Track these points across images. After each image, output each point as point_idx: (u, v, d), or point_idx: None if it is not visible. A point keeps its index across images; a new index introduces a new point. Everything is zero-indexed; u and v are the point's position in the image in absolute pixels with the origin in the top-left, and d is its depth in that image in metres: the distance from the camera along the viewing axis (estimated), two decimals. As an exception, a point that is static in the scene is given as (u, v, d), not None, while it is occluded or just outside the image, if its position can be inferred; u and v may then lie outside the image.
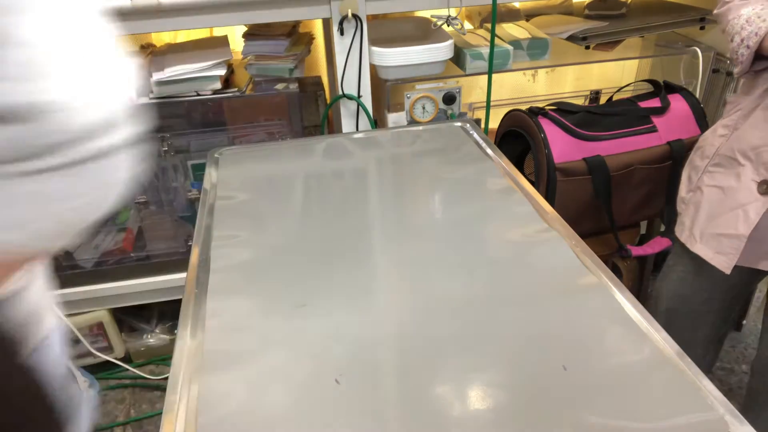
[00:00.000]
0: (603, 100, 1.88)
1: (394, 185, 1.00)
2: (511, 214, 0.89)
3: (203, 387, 0.61)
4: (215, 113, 1.60)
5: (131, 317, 1.78)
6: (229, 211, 0.94)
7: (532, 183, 1.04)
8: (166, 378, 1.55)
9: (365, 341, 0.66)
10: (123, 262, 1.67)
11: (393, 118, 1.52)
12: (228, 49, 1.53)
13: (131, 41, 1.74)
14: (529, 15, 1.82)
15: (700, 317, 1.19)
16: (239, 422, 0.57)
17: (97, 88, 0.40)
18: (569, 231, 0.84)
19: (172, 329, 1.79)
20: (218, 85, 1.45)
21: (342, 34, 1.40)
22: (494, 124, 1.62)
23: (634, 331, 0.65)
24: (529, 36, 1.57)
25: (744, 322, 1.81)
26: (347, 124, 1.54)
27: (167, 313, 1.82)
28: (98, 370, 1.74)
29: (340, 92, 1.47)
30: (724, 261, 1.02)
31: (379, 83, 1.52)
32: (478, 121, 1.67)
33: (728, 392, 1.59)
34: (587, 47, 1.61)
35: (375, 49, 1.42)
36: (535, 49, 1.56)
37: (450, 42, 1.44)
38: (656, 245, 1.51)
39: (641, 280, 1.69)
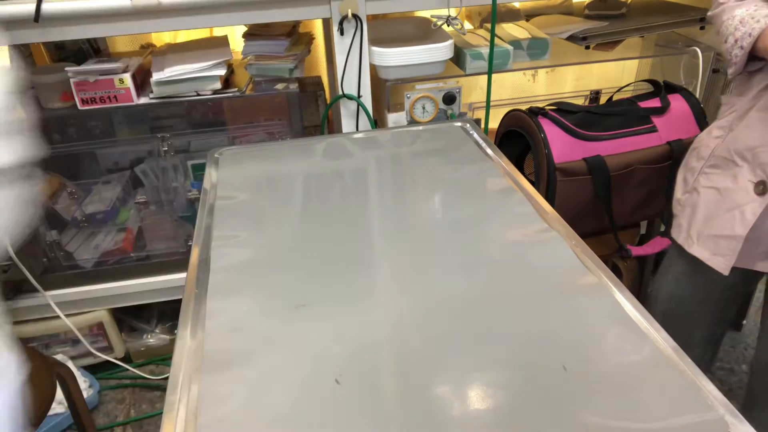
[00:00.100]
0: (603, 100, 1.88)
1: (394, 185, 1.00)
2: (511, 214, 0.89)
3: (203, 387, 0.61)
4: (215, 113, 1.60)
5: (131, 317, 1.78)
6: (229, 211, 0.94)
7: (532, 183, 1.04)
8: (166, 378, 1.55)
9: (365, 341, 0.66)
10: (123, 262, 1.67)
11: (393, 118, 1.52)
12: (228, 49, 1.53)
13: (131, 41, 1.74)
14: (529, 15, 1.82)
15: (697, 318, 1.19)
16: (239, 422, 0.57)
17: None
18: (569, 231, 0.84)
19: (172, 329, 1.79)
20: (218, 85, 1.45)
21: (342, 34, 1.40)
22: (494, 124, 1.62)
23: (634, 331, 0.65)
24: (529, 36, 1.57)
25: (744, 322, 1.81)
26: (347, 124, 1.54)
27: (167, 313, 1.82)
28: (98, 370, 1.74)
29: (340, 92, 1.48)
30: (721, 262, 1.02)
31: (379, 83, 1.52)
32: (478, 121, 1.67)
33: (728, 392, 1.59)
34: (587, 47, 1.61)
35: (375, 49, 1.42)
36: (535, 49, 1.56)
37: (450, 42, 1.44)
38: (656, 245, 1.51)
39: (641, 280, 1.69)
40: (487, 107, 1.54)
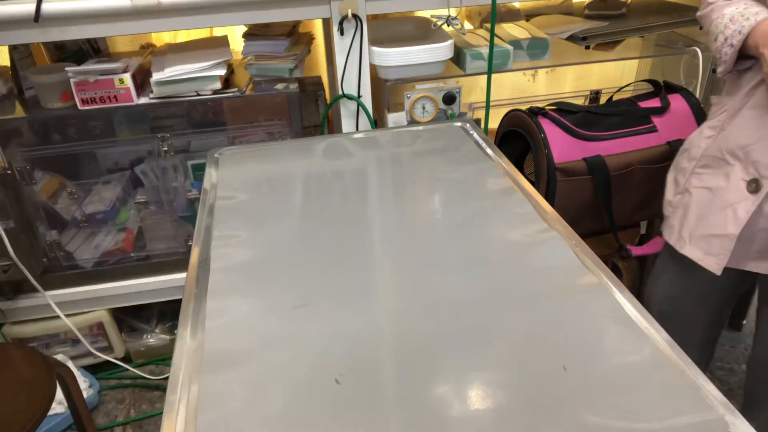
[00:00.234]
0: (603, 100, 1.89)
1: (394, 185, 1.00)
2: (511, 214, 0.89)
3: (203, 387, 0.61)
4: (215, 113, 1.60)
5: (131, 317, 1.78)
6: (229, 211, 0.94)
7: (532, 183, 1.04)
8: (166, 378, 1.55)
9: (365, 341, 0.66)
10: (123, 262, 1.67)
11: (393, 118, 1.52)
12: (228, 49, 1.53)
13: (131, 41, 1.74)
14: (529, 15, 1.82)
15: (692, 319, 1.18)
16: (239, 422, 0.57)
17: None
18: (569, 231, 0.84)
19: (172, 329, 1.79)
20: (218, 85, 1.45)
21: (342, 34, 1.40)
22: (494, 124, 1.62)
23: (634, 331, 0.65)
24: (529, 36, 1.57)
25: (744, 322, 1.81)
26: (347, 124, 1.54)
27: (167, 313, 1.82)
28: (98, 370, 1.74)
29: (340, 92, 1.48)
30: (714, 262, 1.01)
31: (379, 83, 1.52)
32: (478, 121, 1.67)
33: (728, 392, 1.59)
34: (587, 47, 1.61)
35: (375, 49, 1.42)
36: (535, 49, 1.56)
37: (450, 42, 1.44)
38: (656, 245, 1.51)
39: (641, 280, 1.69)
40: (487, 107, 1.54)
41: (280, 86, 1.50)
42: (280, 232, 0.88)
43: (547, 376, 0.60)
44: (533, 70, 1.94)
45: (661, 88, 1.54)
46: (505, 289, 0.73)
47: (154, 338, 1.77)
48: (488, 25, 1.56)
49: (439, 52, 1.43)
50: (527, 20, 1.78)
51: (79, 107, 1.41)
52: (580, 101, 1.92)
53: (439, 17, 1.45)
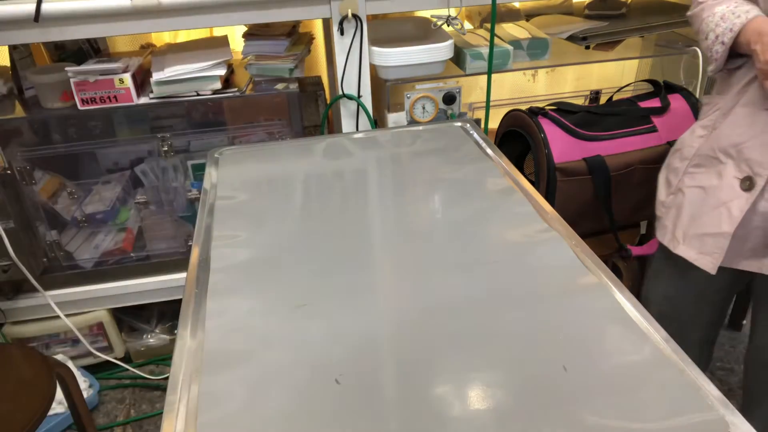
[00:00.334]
0: (603, 100, 1.88)
1: (394, 185, 1.00)
2: (511, 214, 0.89)
3: (203, 387, 0.61)
4: (215, 113, 1.60)
5: (131, 317, 1.78)
6: (229, 211, 0.94)
7: (532, 183, 1.04)
8: (166, 378, 1.55)
9: (365, 341, 0.66)
10: (123, 262, 1.67)
11: (393, 118, 1.52)
12: (228, 49, 1.53)
13: (131, 41, 1.74)
14: (529, 15, 1.82)
15: (690, 319, 1.18)
16: (239, 422, 0.57)
17: None
18: (569, 231, 0.84)
19: (172, 329, 1.79)
20: (218, 85, 1.45)
21: (342, 34, 1.40)
22: (494, 124, 1.62)
23: (634, 331, 0.65)
24: (529, 36, 1.57)
25: (744, 322, 1.81)
26: (347, 124, 1.54)
27: (167, 313, 1.82)
28: (98, 370, 1.74)
29: (340, 92, 1.48)
30: (708, 261, 1.00)
31: (379, 83, 1.52)
32: (478, 121, 1.67)
33: (728, 392, 1.59)
34: (587, 47, 1.61)
35: (375, 49, 1.42)
36: (535, 49, 1.56)
37: (450, 42, 1.44)
38: (656, 245, 1.51)
39: (641, 280, 1.68)
40: (487, 107, 1.54)
41: (280, 86, 1.50)
42: (280, 232, 0.88)
43: (547, 376, 0.60)
44: (533, 70, 1.94)
45: (661, 88, 1.54)
46: (505, 289, 0.73)
47: (154, 338, 1.77)
48: (488, 25, 1.56)
49: (439, 52, 1.43)
50: (527, 20, 1.78)
51: (79, 107, 1.41)
52: (580, 101, 1.92)
53: (439, 17, 1.45)
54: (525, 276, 0.75)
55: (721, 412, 0.56)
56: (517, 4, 1.85)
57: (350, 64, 1.44)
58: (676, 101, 1.50)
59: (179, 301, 0.75)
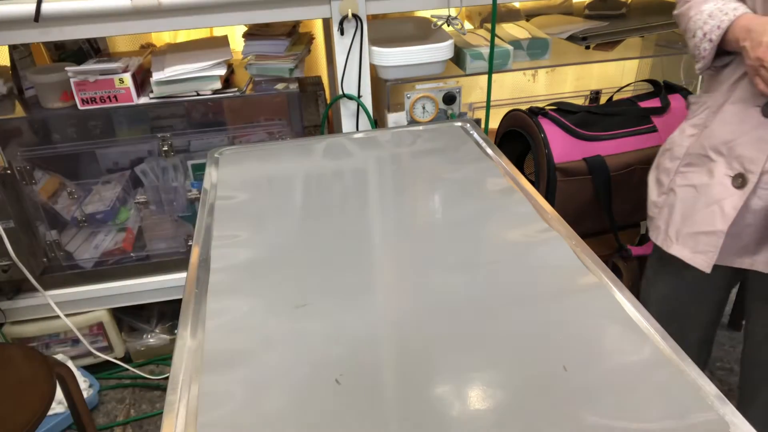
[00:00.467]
0: (603, 100, 1.89)
1: (394, 185, 1.00)
2: (511, 214, 0.89)
3: (203, 387, 0.61)
4: (215, 113, 1.60)
5: (131, 317, 1.78)
6: (229, 211, 0.94)
7: (532, 183, 1.04)
8: (166, 378, 1.55)
9: (365, 341, 0.66)
10: (123, 262, 1.67)
11: (393, 118, 1.52)
12: (228, 49, 1.53)
13: (131, 41, 1.74)
14: (529, 15, 1.82)
15: (688, 319, 1.18)
16: (239, 422, 0.57)
17: None
18: (569, 231, 0.84)
19: (172, 329, 1.79)
20: (218, 85, 1.45)
21: (342, 34, 1.40)
22: (494, 124, 1.62)
23: (634, 331, 0.65)
24: (529, 36, 1.57)
25: (744, 321, 1.81)
26: (347, 124, 1.54)
27: (167, 313, 1.82)
28: (98, 370, 1.74)
29: (340, 92, 1.48)
30: (702, 260, 1.00)
31: (379, 83, 1.52)
32: (478, 121, 1.67)
33: (728, 392, 1.59)
34: (587, 47, 1.62)
35: (375, 49, 1.42)
36: (535, 49, 1.56)
37: (450, 42, 1.44)
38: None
39: (641, 280, 1.68)
40: (487, 107, 1.54)
41: (280, 86, 1.50)
42: (280, 232, 0.88)
43: (547, 376, 0.60)
44: (533, 70, 1.94)
45: (661, 88, 1.54)
46: (505, 289, 0.73)
47: (154, 338, 1.77)
48: (488, 25, 1.56)
49: (439, 52, 1.43)
50: (527, 20, 1.78)
51: (79, 107, 1.41)
52: (580, 101, 1.92)
53: (439, 17, 1.45)
54: (525, 276, 0.75)
55: (721, 412, 0.56)
56: (517, 4, 1.85)
57: (350, 64, 1.44)
58: (676, 101, 1.50)
59: (179, 301, 0.75)
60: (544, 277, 0.75)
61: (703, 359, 1.28)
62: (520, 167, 1.63)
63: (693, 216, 1.01)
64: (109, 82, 1.39)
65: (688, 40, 1.01)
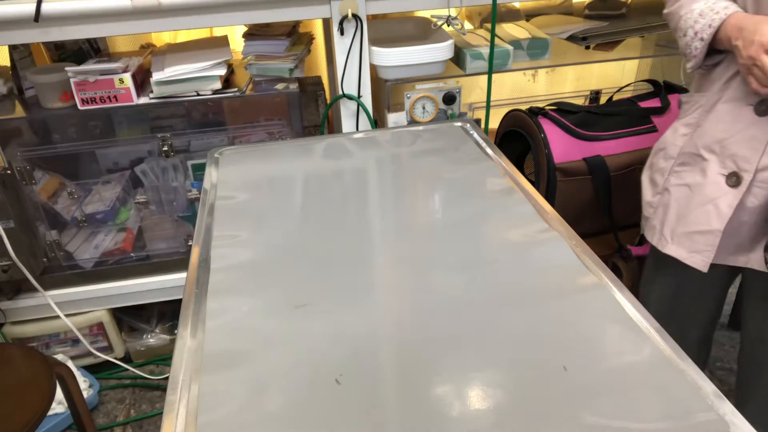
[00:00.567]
0: (603, 100, 1.89)
1: (394, 185, 1.00)
2: (511, 214, 0.89)
3: (203, 387, 0.61)
4: (215, 113, 1.60)
5: (131, 317, 1.78)
6: (229, 211, 0.94)
7: (532, 183, 1.04)
8: (166, 378, 1.55)
9: (365, 341, 0.66)
10: (123, 262, 1.67)
11: (393, 118, 1.52)
12: (228, 49, 1.53)
13: (131, 41, 1.74)
14: (529, 15, 1.82)
15: (688, 319, 1.18)
16: (239, 422, 0.57)
17: None
18: (569, 231, 0.84)
19: (172, 329, 1.79)
20: (218, 85, 1.45)
21: (342, 34, 1.40)
22: (494, 124, 1.62)
23: (634, 331, 0.65)
24: (529, 36, 1.57)
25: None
26: (347, 124, 1.54)
27: (167, 313, 1.82)
28: (98, 370, 1.74)
29: (340, 92, 1.48)
30: (699, 259, 1.00)
31: (379, 83, 1.52)
32: (478, 121, 1.67)
33: (728, 392, 1.59)
34: (587, 47, 1.62)
35: (375, 49, 1.42)
36: (535, 49, 1.56)
37: (450, 42, 1.44)
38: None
39: (641, 280, 1.68)
40: (487, 107, 1.54)
41: (280, 86, 1.50)
42: (280, 232, 0.88)
43: (547, 376, 0.60)
44: (533, 70, 1.94)
45: (661, 88, 1.54)
46: (505, 289, 0.73)
47: (154, 338, 1.77)
48: (488, 25, 1.56)
49: (439, 52, 1.43)
50: (527, 20, 1.78)
51: (79, 107, 1.41)
52: (580, 101, 1.92)
53: (439, 17, 1.45)
54: (525, 276, 0.75)
55: (720, 412, 0.56)
56: (517, 4, 1.85)
57: (350, 64, 1.44)
58: (676, 101, 1.50)
59: (179, 301, 0.75)
60: (544, 277, 0.75)
61: (702, 359, 1.28)
62: (520, 167, 1.63)
63: (688, 215, 1.01)
64: (109, 82, 1.39)
65: (678, 39, 1.01)
